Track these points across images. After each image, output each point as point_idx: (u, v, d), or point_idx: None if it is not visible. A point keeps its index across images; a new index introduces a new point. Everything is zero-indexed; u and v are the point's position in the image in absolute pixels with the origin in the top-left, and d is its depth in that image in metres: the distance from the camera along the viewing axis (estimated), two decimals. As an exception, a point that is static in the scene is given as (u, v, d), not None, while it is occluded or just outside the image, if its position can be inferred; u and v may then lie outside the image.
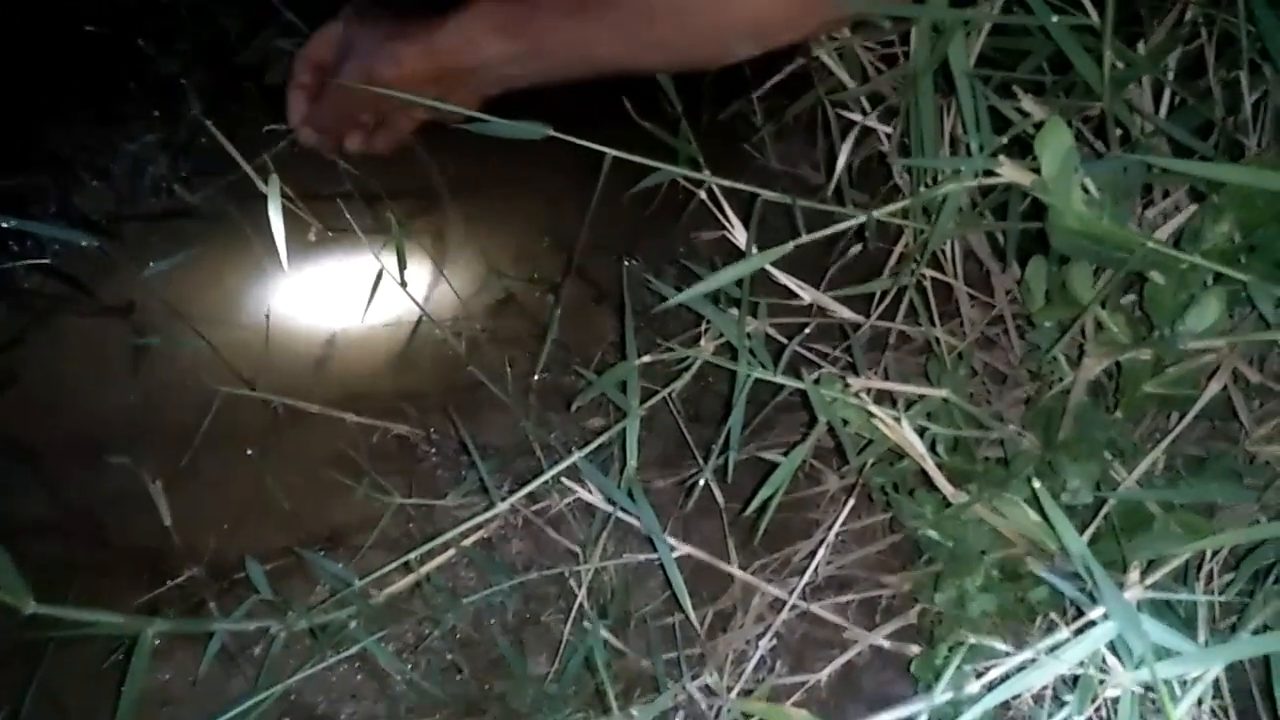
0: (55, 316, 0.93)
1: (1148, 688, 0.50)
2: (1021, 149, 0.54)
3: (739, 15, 0.62)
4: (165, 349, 0.90)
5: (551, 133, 0.62)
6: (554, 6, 0.67)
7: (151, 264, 0.89)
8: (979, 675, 0.45)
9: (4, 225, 0.68)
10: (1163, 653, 0.44)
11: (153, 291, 0.92)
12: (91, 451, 0.85)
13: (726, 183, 0.66)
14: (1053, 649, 0.45)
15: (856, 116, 0.77)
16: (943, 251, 0.74)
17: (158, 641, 0.55)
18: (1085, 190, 0.53)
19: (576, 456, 0.68)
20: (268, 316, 0.92)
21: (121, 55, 1.14)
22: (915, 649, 0.71)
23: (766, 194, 0.66)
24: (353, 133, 0.85)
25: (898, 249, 0.74)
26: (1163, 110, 0.64)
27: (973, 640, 0.58)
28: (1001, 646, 0.58)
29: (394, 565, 0.69)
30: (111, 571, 0.80)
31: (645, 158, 0.65)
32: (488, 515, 0.68)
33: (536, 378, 0.91)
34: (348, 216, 0.93)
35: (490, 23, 0.69)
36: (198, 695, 0.74)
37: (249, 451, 0.86)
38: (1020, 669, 0.46)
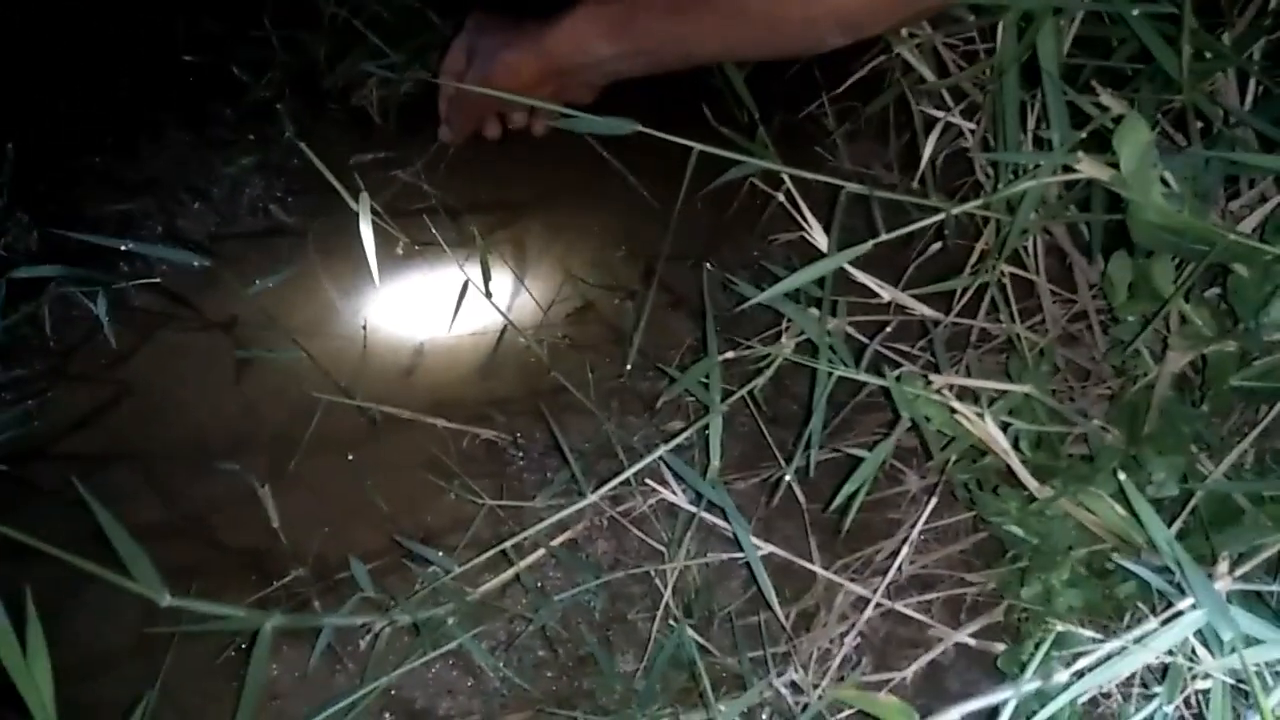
0: (164, 332, 0.99)
1: (1239, 680, 0.50)
2: (1101, 144, 0.55)
3: (828, 10, 0.64)
4: (267, 360, 0.95)
5: (639, 128, 0.65)
6: (653, 8, 0.71)
7: (257, 281, 0.93)
8: (1067, 665, 0.45)
9: (122, 248, 0.72)
10: (1253, 642, 0.44)
11: (253, 306, 0.97)
12: (201, 459, 0.90)
13: (806, 174, 0.68)
14: (1140, 639, 0.46)
15: (938, 113, 0.77)
16: (1024, 248, 0.74)
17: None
18: (1165, 184, 0.53)
19: (662, 451, 0.70)
20: (364, 327, 0.96)
21: (218, 83, 1.21)
22: (1001, 647, 0.71)
23: (850, 186, 0.67)
24: (488, 124, 0.91)
25: (978, 247, 0.75)
26: (1247, 103, 0.64)
27: (1060, 628, 0.58)
28: (1089, 634, 0.58)
29: (487, 556, 0.72)
30: (222, 573, 0.84)
31: (721, 166, 0.67)
32: (575, 508, 0.70)
33: (625, 380, 0.93)
34: (433, 231, 0.97)
35: (595, 28, 0.74)
36: (304, 689, 0.78)
37: (349, 457, 0.90)
38: (1108, 658, 0.46)
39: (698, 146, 0.65)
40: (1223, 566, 0.50)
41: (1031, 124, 0.66)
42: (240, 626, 0.59)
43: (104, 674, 0.79)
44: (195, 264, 0.96)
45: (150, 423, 0.93)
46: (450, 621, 0.74)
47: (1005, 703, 0.44)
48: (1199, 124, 0.61)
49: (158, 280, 1.01)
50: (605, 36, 0.74)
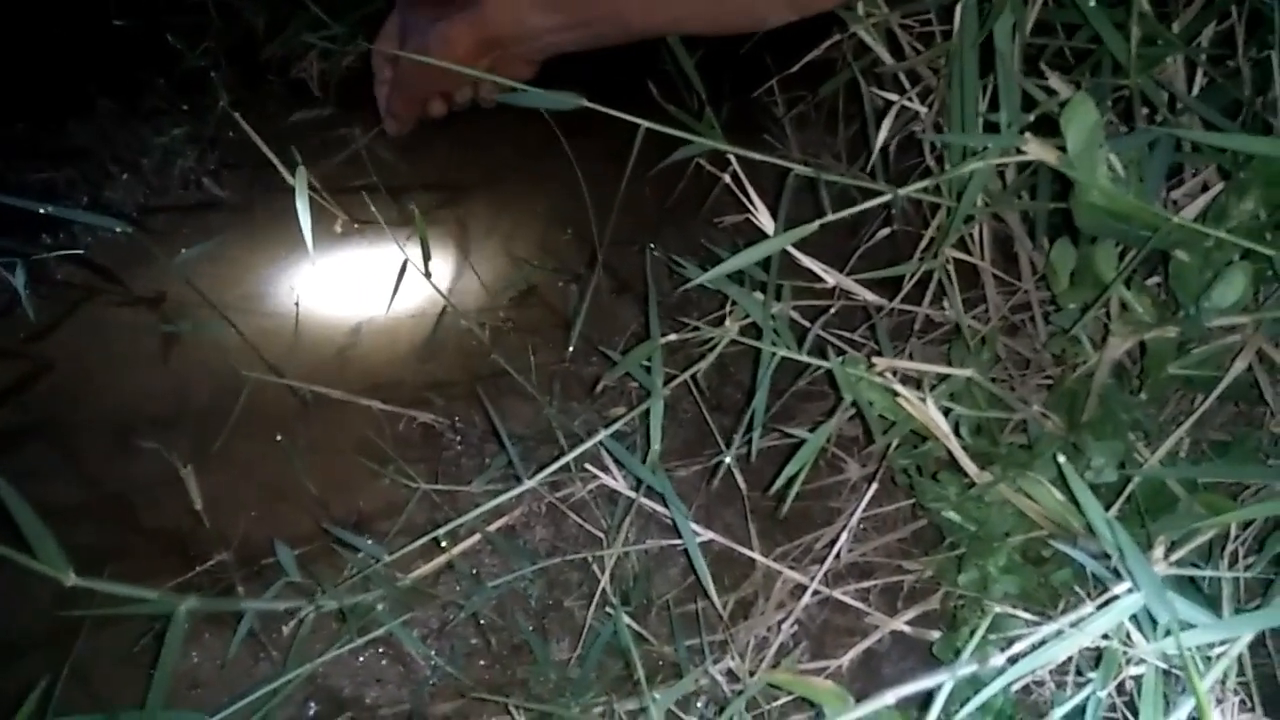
0: (88, 305, 0.95)
1: (1171, 666, 0.50)
2: (1051, 129, 0.54)
3: None
4: (194, 337, 0.92)
5: (585, 103, 0.63)
6: None
7: (183, 251, 0.90)
8: (1003, 649, 0.45)
9: (41, 211, 0.69)
10: (1187, 626, 0.44)
11: (182, 281, 0.94)
12: (123, 436, 0.86)
13: (754, 155, 0.67)
14: (1076, 623, 0.45)
15: (892, 96, 0.77)
16: (970, 236, 0.74)
17: (187, 624, 0.56)
18: (1111, 169, 0.53)
19: (602, 435, 0.69)
20: (296, 305, 0.93)
21: (150, 50, 1.16)
22: (937, 634, 0.71)
23: (797, 168, 0.66)
24: (432, 104, 0.88)
25: (927, 234, 0.74)
26: (1194, 91, 0.64)
27: (997, 610, 0.58)
28: (1026, 616, 0.58)
29: (420, 542, 0.70)
30: (142, 555, 0.81)
31: (669, 147, 0.66)
32: (513, 493, 0.69)
33: (567, 364, 0.91)
34: (372, 208, 0.94)
35: None
36: (225, 678, 0.75)
37: (277, 438, 0.87)
38: (1044, 643, 0.46)
39: (644, 124, 0.63)
40: (1158, 552, 0.49)
41: (983, 108, 0.65)
42: (154, 610, 0.56)
43: (12, 658, 0.75)
44: (116, 230, 0.92)
45: (70, 399, 0.90)
46: (379, 608, 0.71)
47: (940, 686, 0.43)
48: (1145, 110, 0.61)
49: (81, 252, 0.97)
50: (541, 6, 0.72)
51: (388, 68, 0.87)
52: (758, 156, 0.67)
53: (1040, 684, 0.67)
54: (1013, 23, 0.55)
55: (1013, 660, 0.45)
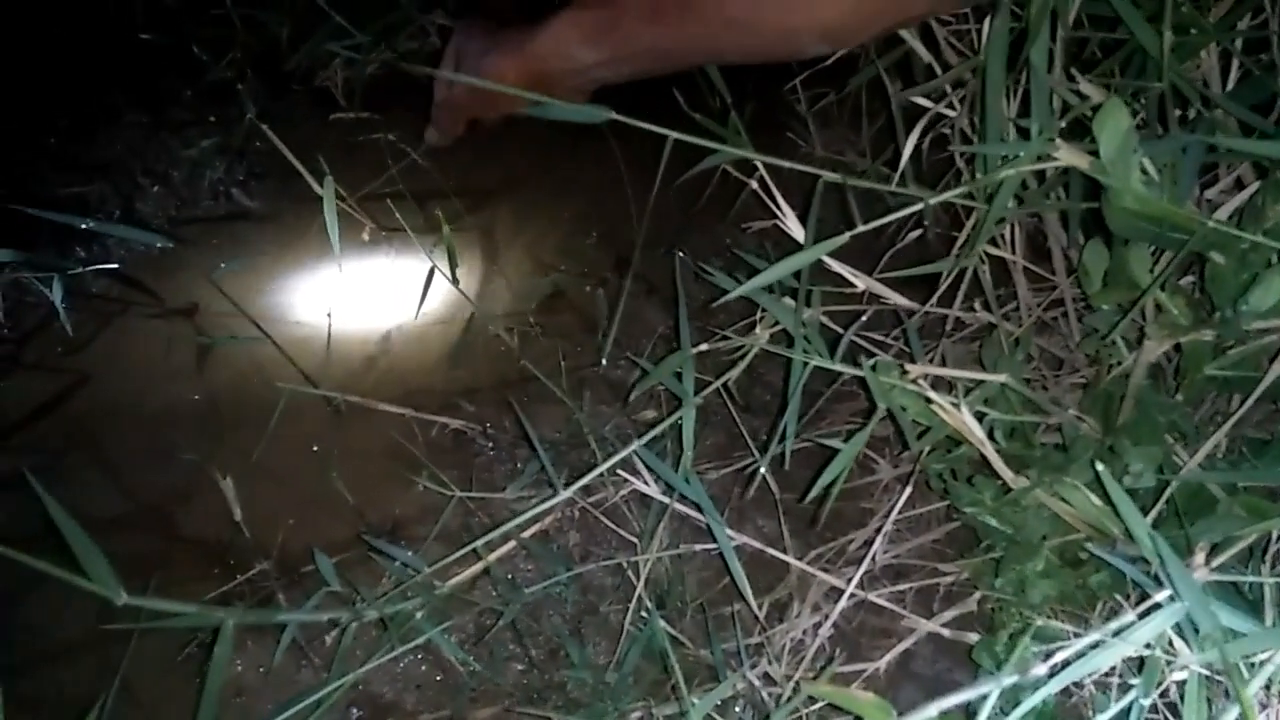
0: (122, 318, 0.96)
1: (1213, 672, 0.49)
2: (1083, 130, 0.54)
3: (807, 22, 0.65)
4: (228, 348, 0.93)
5: (613, 116, 0.63)
6: (636, 14, 0.71)
7: (223, 265, 0.91)
8: (1045, 658, 0.45)
9: (82, 226, 0.70)
10: (1230, 635, 0.44)
11: (215, 292, 0.95)
12: (162, 448, 0.88)
13: (781, 162, 0.67)
14: (1119, 632, 0.45)
15: (925, 102, 0.76)
16: (1002, 238, 0.74)
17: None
18: (1144, 173, 0.53)
19: (635, 446, 0.69)
20: (328, 314, 0.94)
21: (177, 63, 1.17)
22: (974, 637, 0.71)
23: (825, 175, 0.66)
24: (483, 121, 0.91)
25: (960, 237, 0.74)
26: (1227, 87, 0.64)
27: (1039, 622, 0.58)
28: (1066, 628, 0.58)
29: (460, 554, 0.70)
30: (183, 566, 0.82)
31: (694, 151, 0.66)
32: (549, 504, 0.69)
33: (598, 369, 0.92)
34: (399, 216, 0.95)
35: (578, 33, 0.74)
36: (269, 685, 0.76)
37: (314, 447, 0.88)
38: (1086, 652, 0.46)
39: (673, 135, 0.64)
40: (1199, 558, 0.49)
41: (1014, 111, 0.65)
42: (199, 624, 0.58)
43: (62, 668, 0.77)
44: (157, 245, 0.94)
45: (109, 412, 0.91)
46: (418, 616, 0.72)
47: (986, 697, 0.44)
48: (1178, 112, 0.60)
49: (115, 265, 0.98)
50: (587, 42, 0.75)
51: (444, 89, 0.90)
52: (784, 164, 0.67)
53: (1080, 686, 0.67)
54: (1049, 36, 0.55)
55: (1055, 670, 0.45)
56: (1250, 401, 0.59)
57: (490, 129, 0.94)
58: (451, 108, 0.87)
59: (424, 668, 0.77)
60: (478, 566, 0.76)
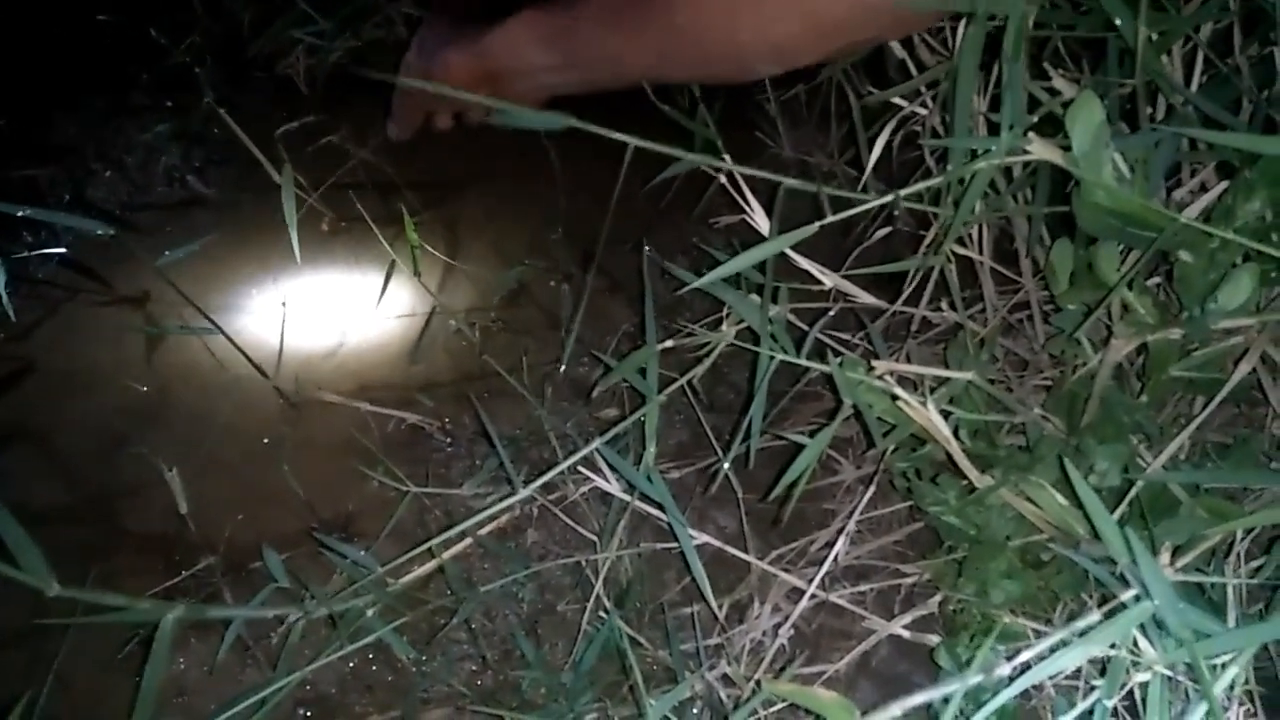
0: (70, 305, 0.93)
1: (1177, 674, 0.49)
2: (1052, 130, 0.54)
3: (757, 40, 0.66)
4: (179, 338, 0.90)
5: (574, 123, 0.62)
6: (592, 20, 0.72)
7: (166, 253, 0.88)
8: (1009, 658, 0.44)
9: (19, 214, 0.67)
10: (1197, 635, 0.43)
11: (167, 281, 0.92)
12: (107, 439, 0.85)
13: (749, 171, 0.66)
14: (1084, 632, 0.44)
15: (899, 100, 0.76)
16: (970, 238, 0.73)
17: (174, 632, 0.54)
18: (1116, 169, 0.52)
19: (597, 443, 0.67)
20: (283, 305, 0.92)
21: (134, 46, 1.14)
22: (934, 638, 0.71)
23: (790, 181, 0.65)
24: (439, 117, 0.92)
25: (928, 236, 0.73)
26: (1192, 89, 0.63)
27: (1006, 620, 0.57)
28: (1030, 625, 0.57)
29: (414, 553, 0.68)
30: (126, 560, 0.79)
31: (663, 143, 0.65)
32: (508, 502, 0.67)
33: (562, 367, 0.90)
34: (360, 207, 0.93)
35: (533, 33, 0.75)
36: (213, 685, 0.74)
37: (264, 440, 0.85)
38: (1049, 653, 0.45)
39: (634, 141, 0.62)
40: (1164, 558, 0.49)
41: (984, 106, 0.65)
42: (140, 619, 0.55)
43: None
44: (98, 232, 0.90)
45: (53, 401, 0.88)
46: (369, 614, 0.70)
47: (951, 696, 0.43)
48: (1148, 110, 0.60)
49: (62, 250, 0.95)
50: (540, 43, 0.75)
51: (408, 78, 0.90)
52: (751, 172, 0.66)
53: (1039, 689, 0.66)
54: (1020, 38, 0.54)
55: (1020, 670, 0.44)
56: (1215, 404, 0.58)
57: (444, 126, 0.93)
58: (404, 100, 0.88)
59: (374, 667, 0.75)
60: (432, 564, 0.74)
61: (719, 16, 0.65)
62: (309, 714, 0.73)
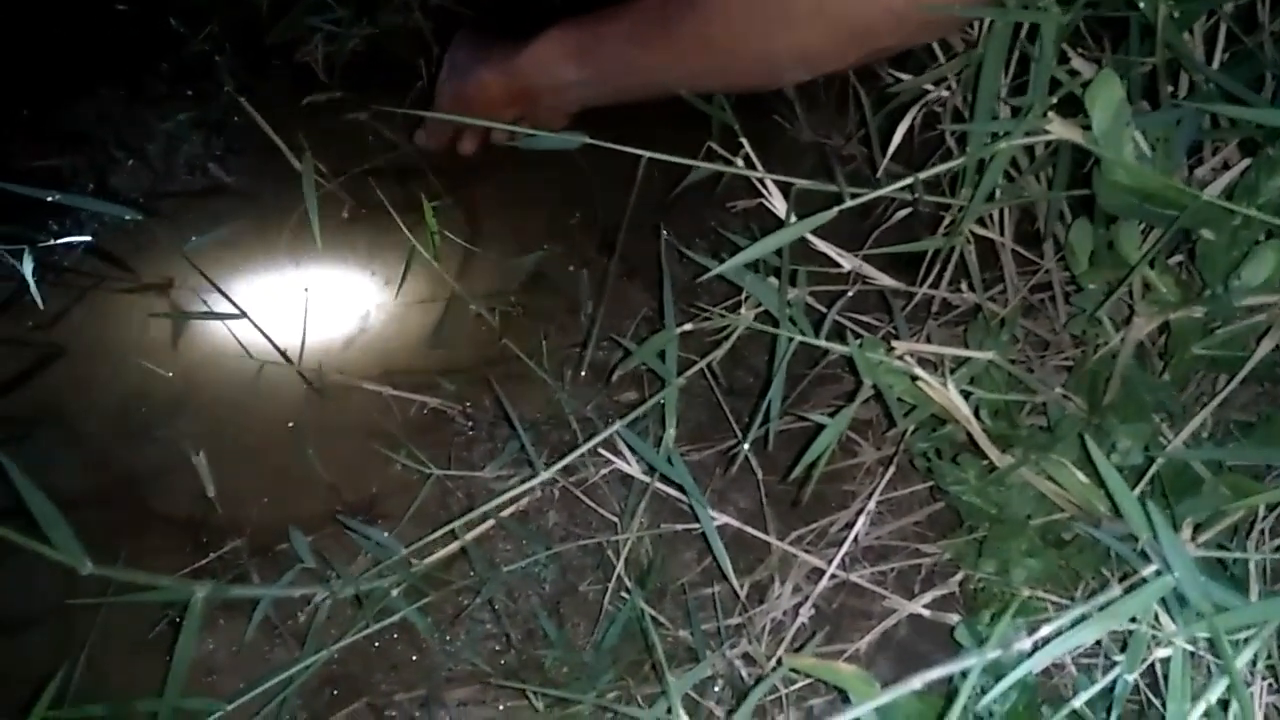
0: (96, 292, 0.94)
1: (1196, 648, 0.49)
2: (1072, 110, 0.53)
3: (786, 49, 0.66)
4: (204, 323, 0.91)
5: (588, 140, 0.63)
6: (622, 37, 0.73)
7: (192, 239, 0.90)
8: (1030, 632, 0.44)
9: (48, 199, 0.68)
10: (1218, 610, 0.43)
11: (190, 268, 0.93)
12: (134, 424, 0.86)
13: (774, 177, 0.66)
14: (1105, 605, 0.45)
15: (923, 84, 0.75)
16: (990, 218, 0.73)
17: (203, 612, 0.55)
18: (1137, 147, 0.52)
19: (617, 426, 0.68)
20: (306, 291, 0.93)
21: (153, 35, 1.15)
22: (955, 618, 0.71)
23: (802, 183, 0.65)
24: (465, 140, 0.97)
25: (948, 217, 0.73)
26: (1213, 66, 0.63)
27: (1025, 593, 0.57)
28: (1051, 598, 0.57)
29: (437, 535, 0.69)
30: (155, 543, 0.80)
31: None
32: (529, 484, 0.68)
33: (585, 351, 0.91)
34: (380, 194, 0.94)
35: (560, 51, 0.77)
36: (241, 663, 0.75)
37: (289, 425, 0.86)
38: (1071, 626, 0.45)
39: (646, 154, 0.63)
40: (1186, 533, 0.49)
41: (1005, 92, 0.65)
42: (169, 598, 0.56)
43: (24, 644, 0.75)
44: (128, 218, 0.92)
45: (81, 387, 0.89)
46: (394, 593, 0.71)
47: (969, 670, 0.43)
48: (1169, 89, 0.60)
49: (88, 239, 0.96)
50: (570, 60, 0.77)
51: (442, 98, 0.95)
52: (776, 178, 0.66)
53: (1061, 667, 0.67)
54: (1053, 46, 0.54)
55: (1039, 645, 0.45)
56: (1236, 381, 0.58)
57: (468, 151, 1.00)
58: (439, 122, 0.92)
59: (399, 647, 0.76)
60: (454, 545, 0.75)
61: (750, 30, 0.65)
62: (336, 692, 0.74)
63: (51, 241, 0.95)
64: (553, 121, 0.89)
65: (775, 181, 0.69)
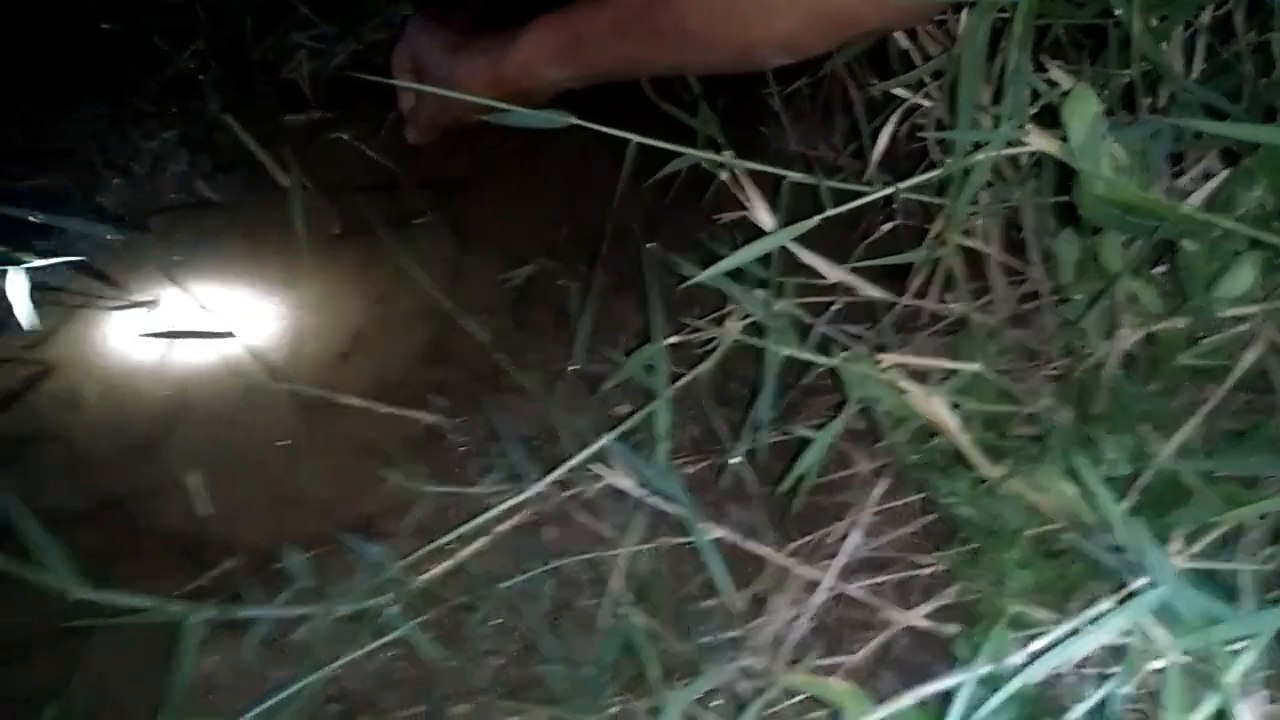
0: (85, 311, 0.94)
1: (1195, 661, 0.50)
2: (1056, 119, 0.54)
3: (766, 37, 0.67)
4: (194, 341, 0.91)
5: (575, 121, 0.63)
6: (604, 32, 0.73)
7: (176, 258, 0.90)
8: (1023, 646, 0.45)
9: (33, 219, 0.68)
10: (1211, 621, 0.44)
11: (180, 286, 0.93)
12: (125, 443, 0.86)
13: (752, 165, 0.67)
14: (1096, 619, 0.45)
15: (902, 91, 0.76)
16: (977, 228, 0.74)
17: (202, 632, 0.56)
18: (1114, 159, 0.53)
19: (606, 439, 0.68)
20: (295, 308, 0.93)
21: (139, 53, 1.15)
22: (953, 629, 0.71)
23: (792, 175, 0.66)
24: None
25: (933, 229, 0.74)
26: (1191, 77, 0.64)
27: (1016, 609, 0.58)
28: (1045, 614, 0.58)
29: (430, 548, 0.69)
30: (149, 563, 0.80)
31: (665, 141, 0.66)
32: (524, 496, 0.68)
33: (573, 367, 0.91)
34: (366, 210, 0.94)
35: (543, 53, 0.77)
36: (241, 682, 0.74)
37: (280, 443, 0.86)
38: (1063, 640, 0.46)
39: (634, 138, 0.63)
40: (1176, 545, 0.50)
41: (988, 99, 0.65)
42: (164, 619, 0.56)
43: (19, 666, 0.75)
44: (110, 237, 0.92)
45: (71, 406, 0.89)
46: (392, 610, 0.71)
47: (961, 685, 0.43)
48: (1147, 100, 0.61)
49: (77, 258, 0.96)
50: (554, 61, 0.77)
51: (409, 99, 0.93)
52: (753, 166, 0.66)
53: (1059, 677, 0.67)
54: (1028, 25, 0.55)
55: (1033, 658, 0.45)
56: (1223, 391, 0.59)
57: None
58: (424, 114, 0.90)
59: (399, 664, 0.76)
60: (450, 562, 0.75)
61: (729, 21, 0.66)
62: (338, 710, 0.74)
63: (37, 262, 0.94)
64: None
65: (757, 185, 0.70)
